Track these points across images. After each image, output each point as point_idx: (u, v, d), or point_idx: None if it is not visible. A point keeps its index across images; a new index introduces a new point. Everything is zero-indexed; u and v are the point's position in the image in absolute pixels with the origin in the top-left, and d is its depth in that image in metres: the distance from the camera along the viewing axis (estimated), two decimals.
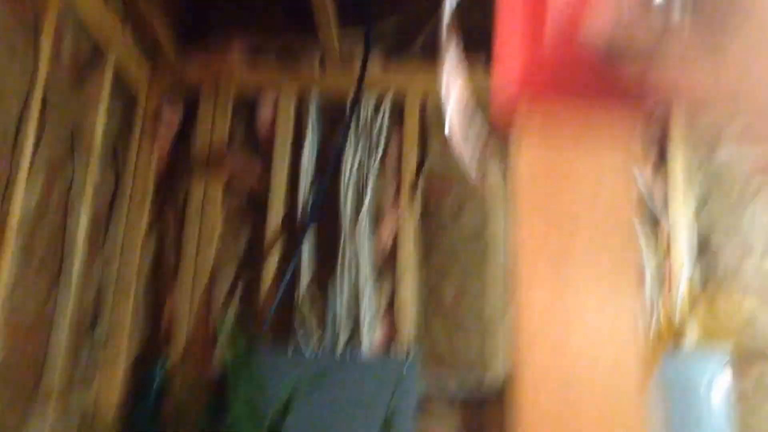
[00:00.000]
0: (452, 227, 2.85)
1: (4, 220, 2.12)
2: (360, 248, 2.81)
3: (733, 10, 0.75)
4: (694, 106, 0.79)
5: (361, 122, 2.97)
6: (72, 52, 2.50)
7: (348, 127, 2.94)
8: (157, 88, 3.01)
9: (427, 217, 2.88)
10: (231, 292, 2.84)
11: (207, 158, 2.97)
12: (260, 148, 3.00)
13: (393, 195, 2.92)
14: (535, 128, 0.84)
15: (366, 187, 2.90)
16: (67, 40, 2.45)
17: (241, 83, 3.03)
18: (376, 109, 3.00)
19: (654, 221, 2.84)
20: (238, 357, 2.29)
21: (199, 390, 2.56)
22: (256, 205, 2.95)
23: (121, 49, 2.74)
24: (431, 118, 2.98)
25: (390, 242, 2.87)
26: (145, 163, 2.92)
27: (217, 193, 2.93)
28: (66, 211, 2.47)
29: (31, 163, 2.26)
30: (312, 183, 2.93)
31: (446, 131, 2.67)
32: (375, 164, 2.93)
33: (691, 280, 2.77)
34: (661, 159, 2.92)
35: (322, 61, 3.04)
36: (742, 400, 2.66)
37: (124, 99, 2.90)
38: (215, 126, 2.99)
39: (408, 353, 2.68)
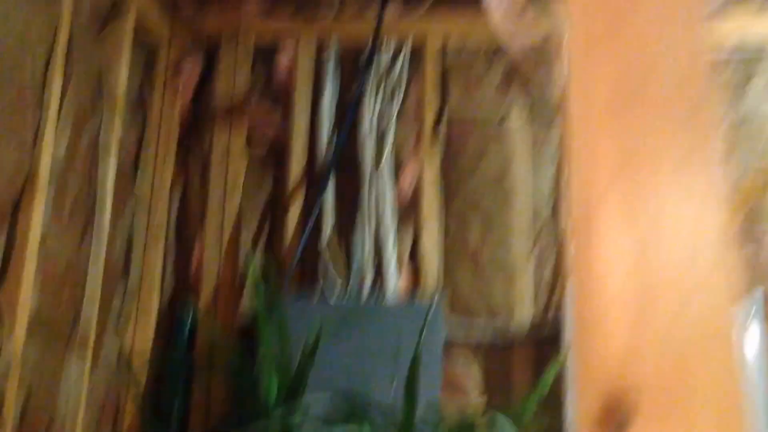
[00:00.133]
0: (474, 173, 2.86)
1: (35, 169, 2.15)
2: (382, 195, 2.83)
3: None
4: None
5: (381, 69, 2.97)
6: (93, 3, 2.51)
7: (367, 74, 2.94)
8: (177, 39, 3.02)
9: (448, 163, 2.89)
10: (256, 239, 2.87)
11: (228, 108, 2.98)
12: (280, 97, 3.01)
13: (414, 141, 2.93)
14: None
15: (386, 134, 2.91)
16: None
17: (259, 33, 3.03)
18: (395, 55, 2.99)
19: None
20: (263, 304, 2.33)
21: (227, 335, 2.61)
22: (277, 154, 2.97)
23: (140, 0, 2.75)
24: (451, 63, 2.98)
25: (412, 189, 2.88)
26: (169, 114, 2.95)
27: (239, 142, 2.95)
28: (94, 160, 2.50)
29: (59, 113, 2.29)
30: (332, 131, 2.94)
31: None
32: (395, 111, 2.94)
33: None
34: None
35: (340, 9, 3.03)
36: None
37: (146, 50, 2.91)
38: (235, 76, 3.00)
39: (432, 299, 2.71)
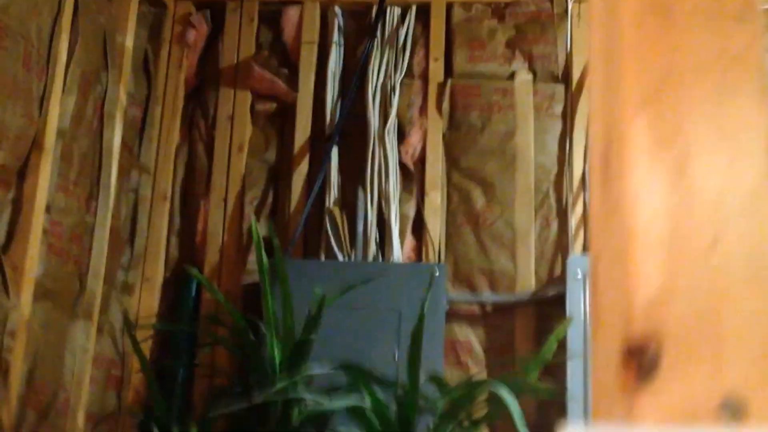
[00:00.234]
0: (480, 136, 2.85)
1: (41, 134, 2.15)
2: (388, 157, 2.82)
3: None
4: None
5: (387, 30, 2.95)
6: None
7: (374, 35, 2.92)
8: (183, 1, 3.00)
9: (454, 125, 2.89)
10: (261, 204, 2.88)
11: (234, 71, 2.97)
12: (286, 59, 3.00)
13: (420, 103, 2.92)
14: None
15: (393, 96, 2.90)
16: None
17: None
18: (402, 16, 2.97)
19: None
20: (267, 269, 2.34)
21: (232, 301, 2.63)
22: (283, 117, 2.96)
23: None
24: (457, 24, 2.95)
25: (418, 151, 2.88)
26: (176, 73, 2.94)
27: (244, 105, 2.94)
28: (100, 124, 2.50)
29: (66, 73, 2.28)
30: (338, 94, 2.93)
31: None
32: (401, 72, 2.92)
33: None
34: None
35: None
36: None
37: (152, 12, 2.89)
38: (241, 39, 2.99)
39: (437, 261, 2.73)
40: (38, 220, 2.10)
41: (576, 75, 2.85)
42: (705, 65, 0.69)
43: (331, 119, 2.89)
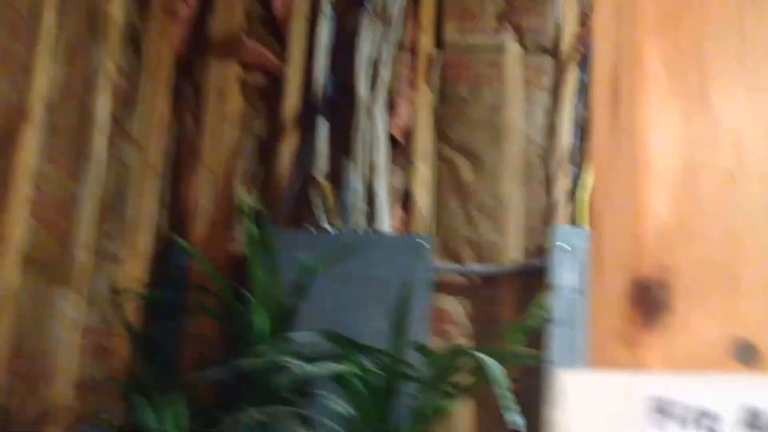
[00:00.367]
0: (469, 108, 2.86)
1: (28, 103, 2.15)
2: (376, 128, 2.83)
3: None
4: None
5: (377, 2, 2.94)
6: None
7: (363, 7, 2.92)
8: None
9: (443, 97, 2.89)
10: (251, 172, 2.88)
11: (224, 42, 2.96)
12: (276, 30, 2.99)
13: (409, 75, 2.92)
14: None
15: (382, 68, 2.90)
16: None
17: None
18: None
19: None
20: (255, 239, 2.35)
21: (220, 271, 2.63)
22: (273, 88, 2.96)
23: None
24: None
25: (406, 122, 2.88)
26: (165, 43, 2.92)
27: (235, 74, 2.94)
28: (88, 94, 2.50)
29: (52, 46, 2.27)
30: (328, 65, 2.92)
31: None
32: (391, 44, 2.92)
33: None
34: None
35: None
36: None
37: None
38: (232, 6, 2.98)
39: (425, 232, 2.74)
40: (24, 190, 2.10)
41: (565, 47, 2.85)
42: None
43: (320, 91, 2.89)
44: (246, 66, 2.97)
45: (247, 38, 2.96)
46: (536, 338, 2.44)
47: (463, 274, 2.73)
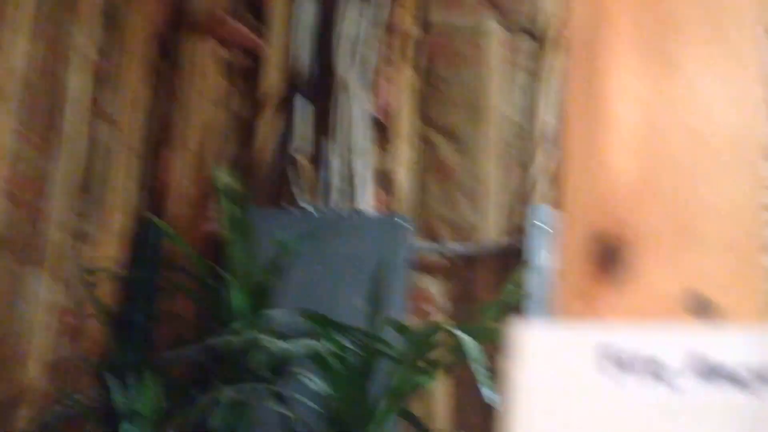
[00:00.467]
0: (449, 88, 2.84)
1: (1, 74, 2.12)
2: (357, 108, 2.81)
3: None
4: None
5: None
6: None
7: None
8: None
9: (424, 77, 2.87)
10: (229, 151, 2.86)
11: (204, 16, 2.94)
12: (257, 7, 2.96)
13: (390, 55, 2.90)
14: None
15: (363, 47, 2.88)
16: None
17: None
18: None
19: None
20: (230, 217, 2.33)
21: (195, 250, 2.61)
22: (252, 67, 2.93)
23: None
24: None
25: (387, 101, 2.86)
26: (143, 20, 2.89)
27: (215, 53, 2.92)
28: (62, 71, 2.47)
29: (28, 17, 2.24)
30: (309, 43, 2.90)
31: None
32: (372, 24, 2.90)
33: None
34: None
35: None
36: None
37: None
38: None
39: (405, 211, 2.73)
40: None
41: (545, 28, 2.84)
42: None
43: (301, 71, 2.87)
44: (226, 44, 2.94)
45: (227, 16, 2.93)
46: (513, 315, 2.43)
47: (442, 253, 2.72)
